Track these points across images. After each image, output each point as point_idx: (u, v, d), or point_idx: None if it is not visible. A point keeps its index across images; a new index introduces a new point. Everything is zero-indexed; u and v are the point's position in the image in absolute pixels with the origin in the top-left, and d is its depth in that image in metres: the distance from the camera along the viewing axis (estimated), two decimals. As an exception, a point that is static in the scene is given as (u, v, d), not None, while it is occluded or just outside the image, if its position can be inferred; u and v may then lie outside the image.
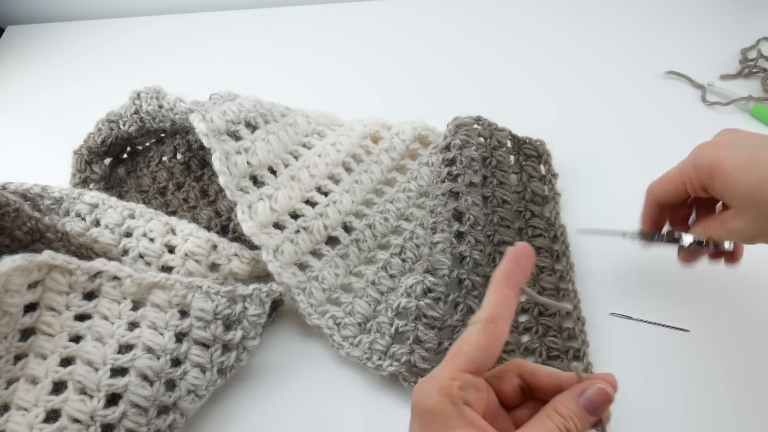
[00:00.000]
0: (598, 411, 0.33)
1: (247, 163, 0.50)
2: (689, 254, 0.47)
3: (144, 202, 0.57)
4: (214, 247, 0.50)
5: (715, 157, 0.41)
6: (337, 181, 0.55)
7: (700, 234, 0.44)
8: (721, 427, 0.45)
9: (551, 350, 0.48)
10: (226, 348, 0.46)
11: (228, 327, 0.46)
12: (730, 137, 0.42)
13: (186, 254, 0.49)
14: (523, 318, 0.50)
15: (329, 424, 0.47)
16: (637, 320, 0.49)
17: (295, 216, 0.52)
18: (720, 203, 0.45)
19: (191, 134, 0.56)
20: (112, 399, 0.42)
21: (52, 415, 0.41)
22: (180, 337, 0.45)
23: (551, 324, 0.49)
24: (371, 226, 0.54)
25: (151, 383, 0.43)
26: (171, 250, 0.50)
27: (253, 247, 0.51)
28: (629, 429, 0.45)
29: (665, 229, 0.48)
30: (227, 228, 0.54)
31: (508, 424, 0.35)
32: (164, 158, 0.58)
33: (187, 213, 0.56)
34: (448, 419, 0.30)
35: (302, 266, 0.51)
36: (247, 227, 0.49)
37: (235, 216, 0.49)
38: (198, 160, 0.57)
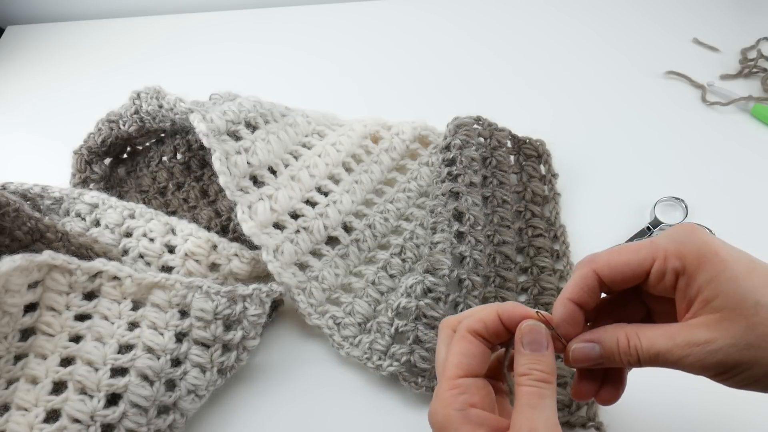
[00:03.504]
0: (544, 344, 0.33)
1: (247, 163, 0.50)
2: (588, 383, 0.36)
3: (144, 202, 0.57)
4: (214, 247, 0.50)
5: (709, 242, 0.32)
6: (337, 181, 0.55)
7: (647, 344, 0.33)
8: (722, 426, 0.45)
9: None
10: (226, 348, 0.46)
11: (228, 327, 0.46)
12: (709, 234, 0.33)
13: (186, 254, 0.49)
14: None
15: (329, 424, 0.47)
16: None
17: (295, 216, 0.52)
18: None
19: (191, 134, 0.56)
20: (112, 399, 0.42)
21: (52, 415, 0.41)
22: (180, 337, 0.45)
23: (551, 324, 0.49)
24: (371, 226, 0.54)
25: (151, 383, 0.43)
26: (171, 250, 0.50)
27: (253, 247, 0.51)
28: (629, 428, 0.45)
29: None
30: (227, 228, 0.54)
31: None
32: (164, 158, 0.58)
33: (187, 213, 0.56)
34: (455, 424, 0.32)
35: (302, 266, 0.51)
36: (247, 227, 0.49)
37: (235, 216, 0.49)
38: (198, 160, 0.57)
